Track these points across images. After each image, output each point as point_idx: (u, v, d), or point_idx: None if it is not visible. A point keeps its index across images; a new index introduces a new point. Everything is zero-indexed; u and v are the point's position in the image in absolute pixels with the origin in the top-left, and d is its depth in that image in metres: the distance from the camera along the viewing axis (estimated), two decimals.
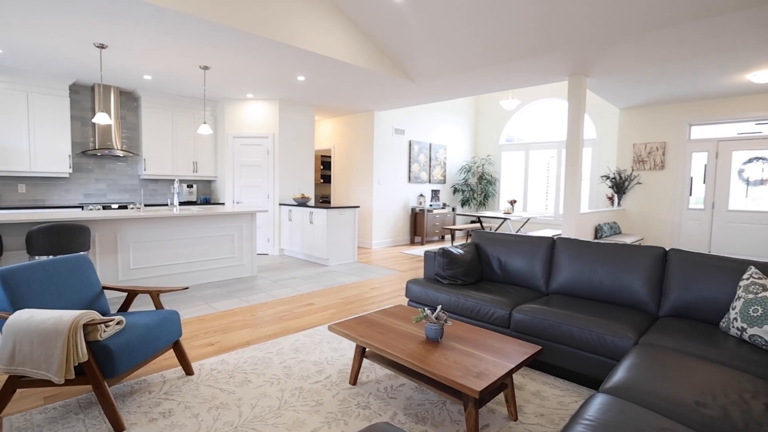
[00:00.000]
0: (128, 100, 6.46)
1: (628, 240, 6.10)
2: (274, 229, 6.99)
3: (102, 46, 4.35)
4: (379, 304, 4.25)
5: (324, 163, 10.39)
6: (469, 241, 9.04)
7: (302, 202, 6.52)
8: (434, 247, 8.22)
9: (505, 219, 7.07)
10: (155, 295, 2.61)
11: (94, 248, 4.22)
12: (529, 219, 7.90)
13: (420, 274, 5.73)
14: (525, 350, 2.16)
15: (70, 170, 5.76)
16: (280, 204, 6.94)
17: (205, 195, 7.37)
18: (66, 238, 3.67)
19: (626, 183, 7.26)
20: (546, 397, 2.39)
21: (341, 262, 6.38)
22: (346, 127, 8.38)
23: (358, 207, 6.63)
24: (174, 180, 6.69)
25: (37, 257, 3.63)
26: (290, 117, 7.03)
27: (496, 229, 8.86)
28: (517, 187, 9.55)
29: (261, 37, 4.03)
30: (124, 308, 2.69)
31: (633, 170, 7.27)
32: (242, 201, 6.97)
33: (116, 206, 5.88)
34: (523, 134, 9.55)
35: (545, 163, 9.08)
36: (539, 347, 2.19)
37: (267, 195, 6.96)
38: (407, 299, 4.25)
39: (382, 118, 7.92)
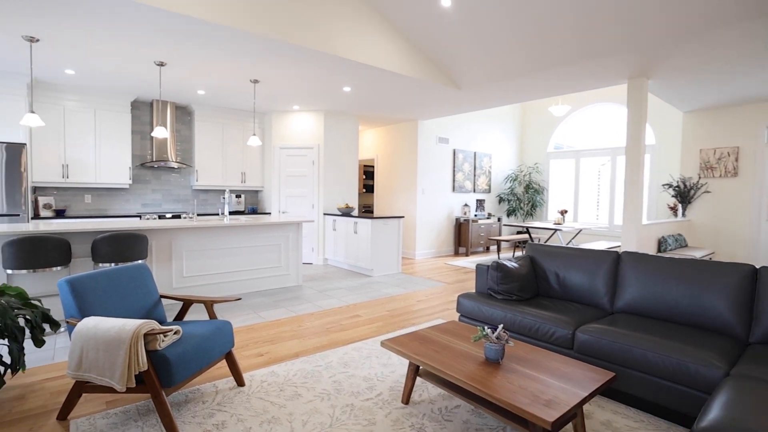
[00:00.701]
0: (183, 114, 6.79)
1: (697, 254, 5.61)
2: (318, 239, 7.05)
3: (161, 64, 4.58)
4: (427, 317, 4.12)
5: (367, 173, 10.43)
6: (516, 252, 8.70)
7: (346, 212, 6.53)
8: (479, 258, 7.98)
9: (555, 230, 6.74)
10: (209, 305, 2.64)
11: (150, 256, 4.40)
12: (581, 230, 7.49)
13: (466, 287, 5.54)
14: (596, 376, 1.97)
15: (130, 181, 6.09)
16: (325, 214, 6.99)
17: (252, 205, 7.57)
18: (127, 247, 3.84)
19: (692, 192, 6.72)
20: (618, 428, 2.17)
21: (385, 272, 6.31)
22: (390, 136, 8.37)
23: (403, 217, 6.55)
24: (224, 190, 6.92)
25: (100, 265, 3.82)
26: (335, 127, 7.10)
27: (546, 241, 8.48)
28: (567, 197, 9.12)
29: (311, 50, 4.08)
30: (179, 317, 2.74)
31: (700, 178, 6.72)
32: (288, 211, 7.09)
33: (170, 216, 6.15)
34: (573, 141, 9.13)
35: (596, 171, 8.62)
36: (612, 374, 1.99)
37: (312, 205, 7.04)
38: (458, 314, 4.11)
39: (426, 127, 7.84)
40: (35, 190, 5.60)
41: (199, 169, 6.67)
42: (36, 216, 5.44)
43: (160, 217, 6.00)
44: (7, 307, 2.25)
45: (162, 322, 2.62)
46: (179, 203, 6.80)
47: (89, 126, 5.76)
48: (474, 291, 3.62)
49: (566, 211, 7.11)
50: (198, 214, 6.57)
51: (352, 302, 4.64)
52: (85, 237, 4.03)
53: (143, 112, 6.42)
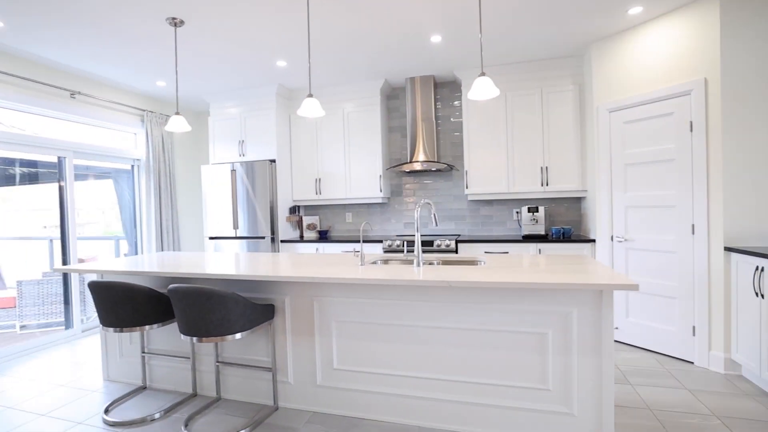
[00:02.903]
0: (448, 91, 4.62)
1: None
2: (709, 308, 2.93)
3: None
4: None
5: None
6: None
7: None
8: None
9: None
10: None
11: (284, 320, 2.48)
12: None
13: None
14: None
15: (381, 193, 4.53)
16: (728, 249, 2.80)
17: (563, 224, 4.32)
18: (198, 316, 2.07)
19: None
20: None
21: None
22: None
23: None
24: (506, 200, 4.18)
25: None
26: (748, 34, 2.76)
27: None
28: None
29: None
30: None
31: None
32: (633, 237, 3.39)
33: (425, 241, 4.09)
34: None
35: None
36: None
37: (688, 226, 3.02)
38: None
39: None
40: (297, 209, 5.06)
41: (469, 170, 4.28)
42: (301, 237, 4.85)
43: (424, 244, 4.05)
44: None
45: None
46: (452, 221, 4.65)
47: (337, 129, 4.67)
48: None
49: None
50: (462, 241, 4.15)
51: None
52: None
53: (397, 101, 4.77)
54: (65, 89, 3.83)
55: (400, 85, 4.68)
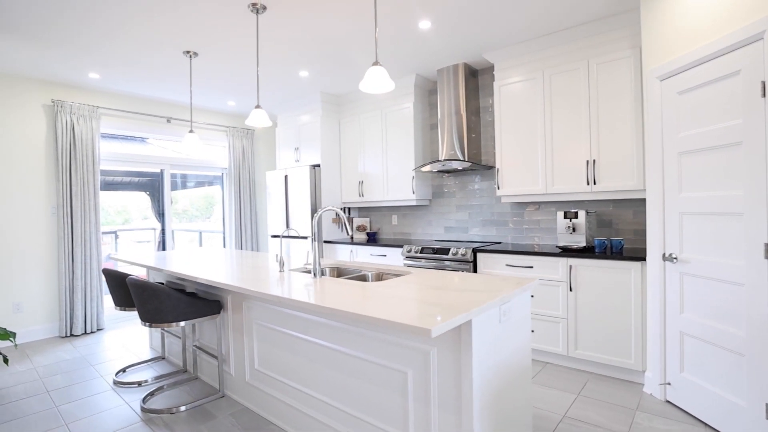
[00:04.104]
0: (479, 79, 3.99)
1: None
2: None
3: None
4: None
5: None
6: None
7: None
8: None
9: None
10: None
11: (226, 315, 2.65)
12: None
13: None
14: None
15: (414, 195, 4.27)
16: None
17: (615, 235, 3.23)
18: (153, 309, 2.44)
19: None
20: None
21: None
22: None
23: None
24: (553, 201, 3.42)
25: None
26: None
27: None
28: None
29: None
30: None
31: None
32: (688, 258, 2.34)
33: (479, 242, 3.70)
34: None
35: None
36: None
37: (759, 246, 1.93)
38: None
39: None
40: (348, 211, 5.17)
41: (502, 167, 3.65)
42: (351, 239, 4.98)
43: (425, 251, 3.72)
44: None
45: None
46: (494, 226, 4.05)
47: (375, 130, 4.60)
48: None
49: None
50: (478, 250, 3.54)
51: None
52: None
53: (421, 96, 4.36)
54: (161, 116, 4.89)
55: (430, 75, 4.30)
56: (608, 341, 2.87)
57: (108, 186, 4.70)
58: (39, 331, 4.05)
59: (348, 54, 3.65)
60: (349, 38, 3.31)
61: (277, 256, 2.45)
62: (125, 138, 4.79)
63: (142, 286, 2.47)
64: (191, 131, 3.50)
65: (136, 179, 4.94)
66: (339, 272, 2.77)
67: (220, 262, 2.96)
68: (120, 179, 4.82)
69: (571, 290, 3.01)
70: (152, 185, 5.06)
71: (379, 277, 2.52)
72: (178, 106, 5.08)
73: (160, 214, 5.07)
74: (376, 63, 2.02)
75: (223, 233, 5.65)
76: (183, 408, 2.56)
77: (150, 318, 2.50)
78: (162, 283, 2.66)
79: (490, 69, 4.02)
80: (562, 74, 3.28)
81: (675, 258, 2.43)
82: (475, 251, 3.50)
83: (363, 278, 2.57)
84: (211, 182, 5.66)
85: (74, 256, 4.12)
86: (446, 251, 3.62)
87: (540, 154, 3.41)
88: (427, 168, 3.97)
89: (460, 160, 3.79)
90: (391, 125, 4.46)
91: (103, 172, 4.59)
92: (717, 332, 2.17)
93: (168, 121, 4.96)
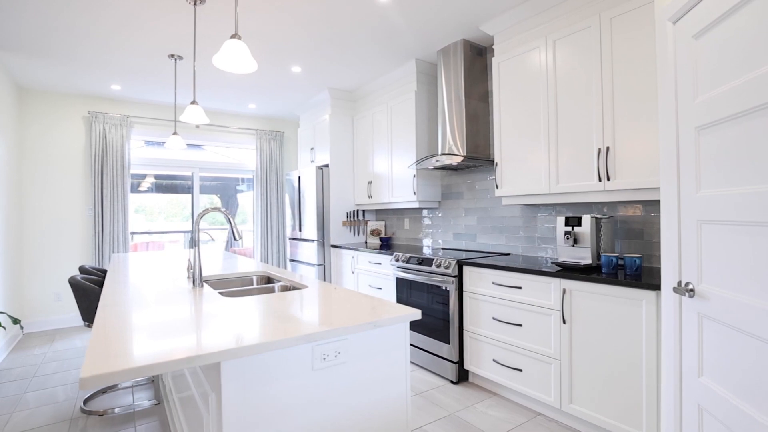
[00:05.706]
0: (482, 59, 3.28)
1: None
2: None
3: None
4: None
5: None
6: None
7: None
8: None
9: None
10: None
11: None
12: None
13: None
14: None
15: (416, 197, 3.75)
16: None
17: (635, 250, 2.30)
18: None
19: None
20: None
21: None
22: None
23: None
24: (539, 204, 2.67)
25: None
26: None
27: None
28: None
29: None
30: None
31: None
32: (709, 291, 1.50)
33: (482, 255, 3.13)
34: None
35: None
36: None
37: None
38: None
39: None
40: (362, 214, 4.78)
41: (501, 162, 2.96)
42: (365, 244, 4.64)
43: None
44: None
45: None
46: (503, 234, 3.32)
47: (382, 126, 4.18)
48: None
49: None
50: (469, 264, 2.84)
51: None
52: None
53: (421, 82, 3.74)
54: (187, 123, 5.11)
55: (429, 58, 3.70)
56: (611, 396, 2.06)
57: (162, 189, 5.08)
58: (72, 318, 4.50)
59: (348, 42, 3.32)
60: (352, 25, 2.98)
61: (189, 263, 2.22)
62: (158, 144, 5.12)
63: (75, 284, 2.46)
64: (175, 133, 3.52)
65: (186, 183, 5.25)
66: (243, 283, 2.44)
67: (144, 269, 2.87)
68: (185, 183, 5.17)
69: (564, 322, 2.25)
70: (223, 188, 5.34)
71: (286, 288, 2.13)
72: (207, 111, 5.29)
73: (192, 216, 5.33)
74: (234, 35, 1.67)
75: (254, 234, 5.74)
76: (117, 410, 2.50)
77: (89, 318, 2.49)
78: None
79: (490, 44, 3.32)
80: (569, 38, 2.51)
81: (691, 290, 1.60)
82: (460, 264, 2.88)
83: (287, 288, 2.21)
84: (239, 185, 5.79)
85: (103, 254, 4.49)
86: (430, 262, 3.06)
87: (543, 145, 2.66)
88: (422, 164, 3.44)
89: (454, 154, 3.19)
90: (395, 118, 4.01)
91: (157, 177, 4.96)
92: (745, 419, 1.33)
93: (196, 126, 5.18)
